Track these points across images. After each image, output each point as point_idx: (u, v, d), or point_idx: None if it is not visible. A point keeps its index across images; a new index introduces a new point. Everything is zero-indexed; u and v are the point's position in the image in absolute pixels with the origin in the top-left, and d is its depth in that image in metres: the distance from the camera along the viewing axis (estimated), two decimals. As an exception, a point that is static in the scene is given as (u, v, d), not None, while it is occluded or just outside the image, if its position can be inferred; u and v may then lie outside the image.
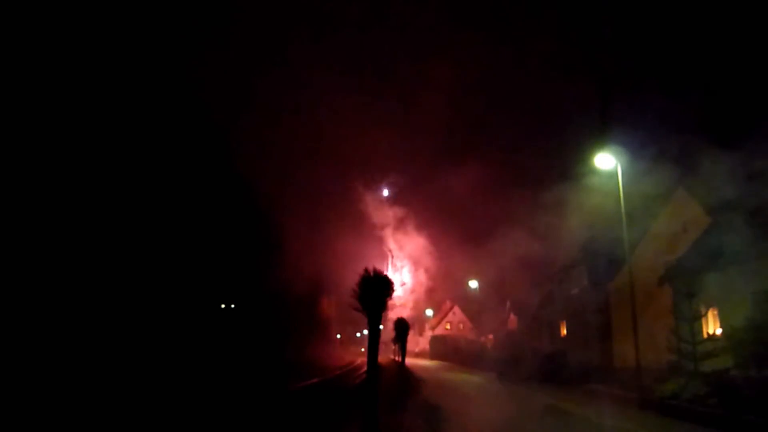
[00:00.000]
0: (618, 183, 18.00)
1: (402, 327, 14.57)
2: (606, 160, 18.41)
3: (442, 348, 55.25)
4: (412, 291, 52.01)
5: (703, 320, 17.51)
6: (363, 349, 61.16)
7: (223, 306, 59.11)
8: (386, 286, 6.18)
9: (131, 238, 36.68)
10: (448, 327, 71.20)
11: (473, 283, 44.90)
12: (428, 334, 70.28)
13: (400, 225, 51.20)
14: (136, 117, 37.39)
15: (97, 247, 33.36)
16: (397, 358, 23.87)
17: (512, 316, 45.28)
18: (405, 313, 59.12)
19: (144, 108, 37.74)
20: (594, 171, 19.53)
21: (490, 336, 51.05)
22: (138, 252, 37.05)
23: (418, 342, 71.98)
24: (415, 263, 49.56)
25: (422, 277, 49.99)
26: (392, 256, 51.36)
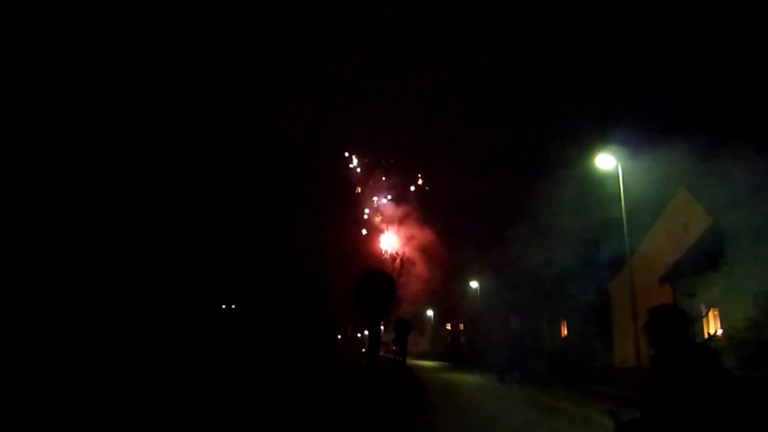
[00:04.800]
0: (618, 183, 18.02)
1: (403, 327, 14.57)
2: (606, 161, 18.45)
3: (442, 348, 55.25)
4: (425, 282, 51.88)
5: (704, 320, 17.52)
6: (364, 350, 61.10)
7: (223, 306, 59.13)
8: (388, 286, 6.16)
9: (131, 238, 36.68)
10: (448, 327, 71.15)
11: (474, 284, 44.90)
12: (429, 334, 70.24)
13: (405, 220, 51.07)
14: (135, 114, 37.37)
15: (96, 246, 33.36)
16: (397, 358, 23.87)
17: (512, 317, 45.22)
18: (418, 307, 59.11)
19: (143, 106, 37.74)
20: (595, 170, 19.56)
21: (491, 336, 50.99)
22: (137, 252, 37.05)
23: (418, 342, 71.92)
24: (428, 257, 49.42)
25: (436, 270, 49.88)
26: (397, 255, 51.28)
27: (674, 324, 2.94)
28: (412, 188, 57.82)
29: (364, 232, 54.65)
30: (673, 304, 3.02)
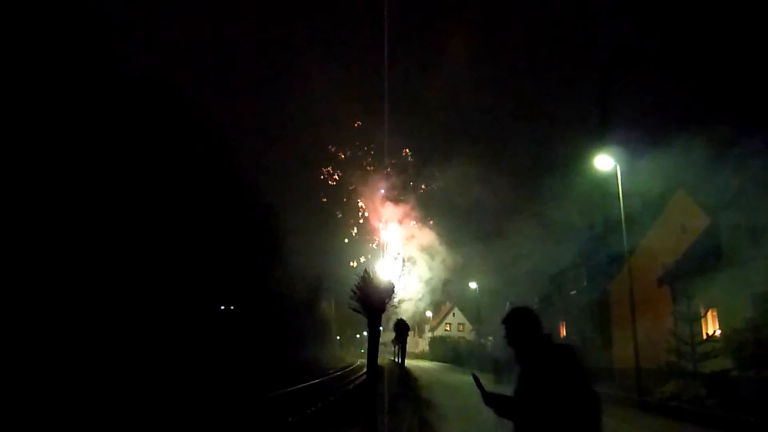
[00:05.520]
0: (617, 184, 18.03)
1: (402, 328, 14.56)
2: (605, 162, 18.45)
3: (441, 349, 55.24)
4: (426, 282, 51.40)
5: (703, 321, 17.53)
6: (363, 351, 61.08)
7: (222, 307, 59.05)
8: (387, 287, 6.17)
9: (129, 239, 36.63)
10: (447, 328, 71.16)
11: (473, 284, 44.89)
12: (428, 335, 70.28)
13: (405, 220, 50.72)
14: (133, 116, 37.33)
15: (95, 248, 33.32)
16: (397, 360, 23.83)
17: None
18: (422, 306, 58.91)
19: (141, 107, 37.70)
20: (594, 171, 19.56)
21: (490, 337, 50.98)
22: (136, 253, 37.00)
23: (417, 343, 71.96)
24: (429, 256, 49.02)
25: (437, 269, 49.44)
26: (398, 255, 50.97)
27: (526, 323, 3.34)
28: (411, 183, 57.59)
29: (354, 232, 54.52)
30: (525, 307, 3.37)
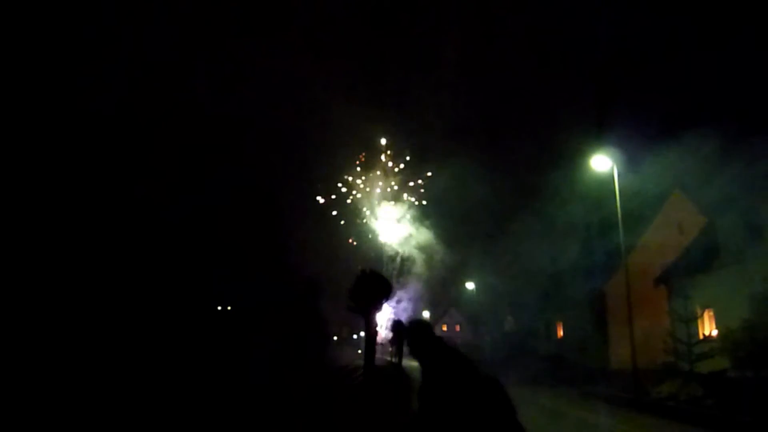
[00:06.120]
0: (614, 184, 18.05)
1: (399, 328, 14.58)
2: (602, 162, 18.46)
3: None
4: (425, 282, 51.27)
5: (699, 321, 17.56)
6: (360, 351, 60.96)
7: (219, 308, 58.94)
8: (384, 286, 6.15)
9: (126, 240, 36.56)
10: (445, 328, 71.13)
11: (470, 285, 44.86)
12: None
13: (403, 219, 50.59)
14: (131, 116, 37.26)
15: (92, 249, 33.26)
16: (394, 360, 23.90)
17: (508, 318, 45.23)
18: (421, 307, 58.73)
19: (139, 106, 37.64)
20: (591, 171, 19.57)
21: (487, 338, 51.00)
22: (133, 254, 36.93)
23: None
24: (428, 256, 48.90)
25: (435, 268, 49.32)
26: (397, 255, 50.92)
27: (419, 332, 3.76)
28: (411, 183, 57.77)
29: (353, 239, 54.44)
30: (419, 318, 4.15)
